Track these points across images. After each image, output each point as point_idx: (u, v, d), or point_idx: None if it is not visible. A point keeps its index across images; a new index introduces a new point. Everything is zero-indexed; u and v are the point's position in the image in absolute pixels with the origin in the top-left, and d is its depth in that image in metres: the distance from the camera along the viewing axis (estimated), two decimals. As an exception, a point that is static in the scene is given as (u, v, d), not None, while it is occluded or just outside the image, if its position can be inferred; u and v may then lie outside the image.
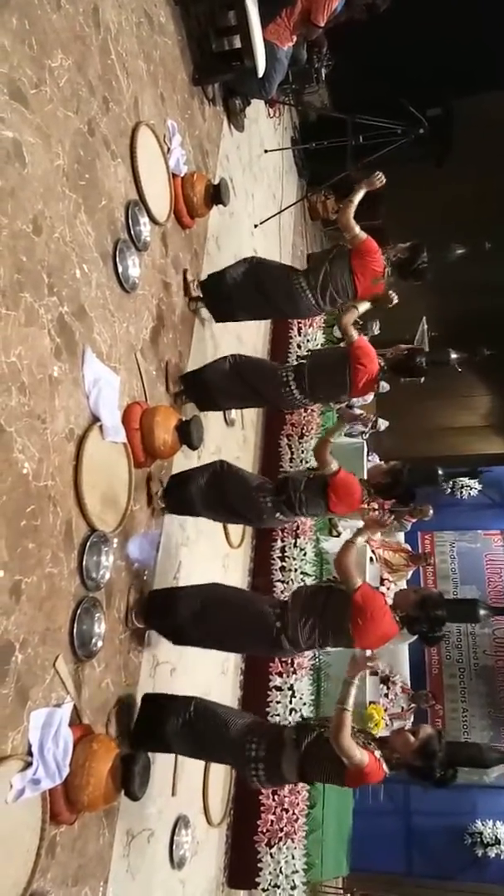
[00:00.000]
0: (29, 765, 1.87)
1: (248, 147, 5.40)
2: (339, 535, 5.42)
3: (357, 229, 3.31)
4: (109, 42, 2.78)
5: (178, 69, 3.74)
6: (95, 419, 2.40)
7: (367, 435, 7.46)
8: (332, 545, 5.12)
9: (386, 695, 5.63)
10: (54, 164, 2.26)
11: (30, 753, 1.89)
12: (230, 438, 4.37)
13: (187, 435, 2.85)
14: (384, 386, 6.81)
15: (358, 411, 6.83)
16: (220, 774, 3.64)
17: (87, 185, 2.50)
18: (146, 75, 3.20)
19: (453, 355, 3.96)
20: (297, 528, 4.71)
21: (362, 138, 5.37)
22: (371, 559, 5.50)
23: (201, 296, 3.61)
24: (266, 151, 6.00)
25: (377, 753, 2.35)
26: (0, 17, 2.01)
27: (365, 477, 3.35)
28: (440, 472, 7.35)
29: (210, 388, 3.33)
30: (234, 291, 3.49)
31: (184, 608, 2.73)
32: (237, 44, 4.13)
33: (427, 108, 5.67)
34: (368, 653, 2.39)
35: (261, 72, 4.20)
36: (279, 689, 4.11)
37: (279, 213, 6.00)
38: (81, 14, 2.53)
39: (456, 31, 6.88)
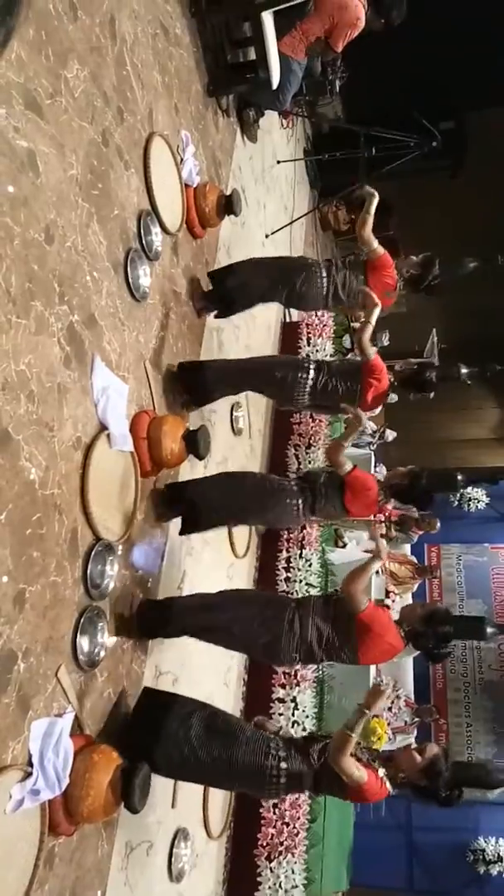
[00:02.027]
0: (29, 775, 1.86)
1: (260, 158, 5.42)
2: (344, 545, 5.40)
3: (375, 244, 3.32)
4: (125, 53, 2.80)
5: (193, 80, 3.76)
6: (103, 428, 2.40)
7: (375, 446, 7.45)
8: (337, 556, 5.10)
9: (389, 708, 5.59)
10: (68, 174, 2.27)
11: (30, 764, 1.88)
12: (237, 448, 4.36)
13: (194, 444, 2.84)
14: (392, 396, 6.80)
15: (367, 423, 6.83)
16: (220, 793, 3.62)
17: (100, 194, 2.51)
18: (161, 86, 3.22)
19: (464, 370, 3.94)
20: (303, 538, 4.69)
21: (375, 150, 5.38)
22: (377, 571, 5.47)
23: (210, 285, 3.61)
24: (279, 162, 6.03)
25: (381, 772, 2.32)
26: (17, 28, 2.02)
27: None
28: (460, 477, 7.28)
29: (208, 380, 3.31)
30: (250, 271, 3.52)
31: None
32: (252, 55, 4.16)
33: (440, 122, 5.69)
34: (391, 686, 2.40)
35: (275, 83, 4.21)
36: (282, 700, 4.09)
37: (290, 223, 6.02)
38: (98, 25, 2.55)
39: (470, 44, 6.91)
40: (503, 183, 7.51)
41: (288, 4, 3.84)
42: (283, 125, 6.34)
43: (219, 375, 3.30)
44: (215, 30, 4.00)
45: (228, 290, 3.53)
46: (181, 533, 3.10)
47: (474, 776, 3.04)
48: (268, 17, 3.87)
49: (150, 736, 2.39)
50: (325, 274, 3.45)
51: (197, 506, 3.00)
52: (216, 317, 3.75)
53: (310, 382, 3.28)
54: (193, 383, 3.28)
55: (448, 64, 7.13)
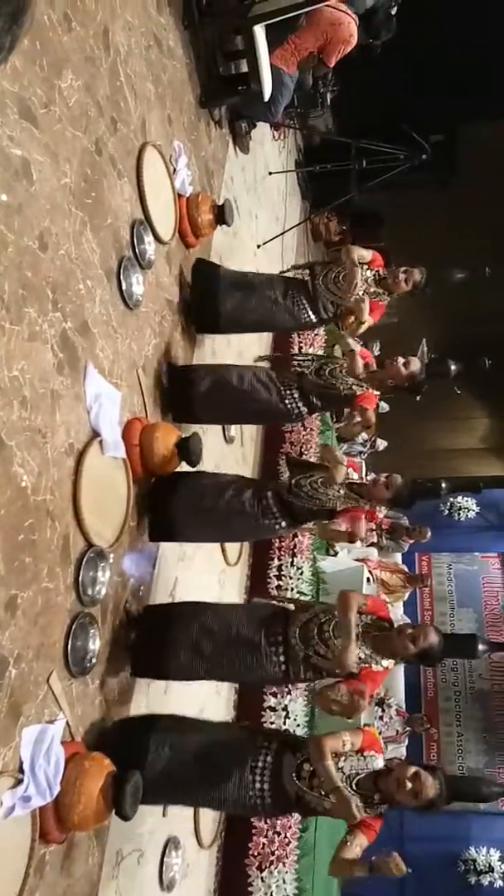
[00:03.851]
0: (20, 782, 1.86)
1: (252, 169, 5.47)
2: (336, 554, 5.42)
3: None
4: (119, 64, 2.83)
5: (186, 92, 3.80)
6: (95, 434, 2.40)
7: (366, 455, 7.49)
8: (329, 564, 5.11)
9: (381, 717, 5.59)
10: (61, 182, 2.29)
11: (21, 770, 1.88)
12: (229, 455, 4.38)
13: (186, 451, 2.85)
14: (383, 406, 6.84)
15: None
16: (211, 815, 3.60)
17: (94, 203, 2.53)
18: (154, 97, 3.26)
19: (453, 366, 3.98)
20: (295, 546, 4.70)
21: (365, 162, 5.44)
22: (368, 580, 5.48)
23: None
24: (270, 173, 6.08)
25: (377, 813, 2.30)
26: (22, 37, 2.04)
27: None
28: (444, 484, 7.32)
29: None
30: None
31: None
32: (244, 68, 4.21)
33: (430, 134, 5.77)
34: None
35: (267, 96, 4.27)
36: (273, 709, 4.08)
37: (282, 233, 6.06)
38: (92, 37, 2.58)
39: (460, 58, 7.02)
40: (492, 194, 7.61)
41: (280, 18, 3.89)
42: (274, 137, 6.41)
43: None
44: (208, 42, 4.05)
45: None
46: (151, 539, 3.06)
47: (466, 790, 3.03)
48: (260, 31, 3.92)
49: (134, 752, 2.36)
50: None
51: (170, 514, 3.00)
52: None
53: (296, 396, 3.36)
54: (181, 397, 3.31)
55: (438, 77, 7.25)
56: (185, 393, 3.29)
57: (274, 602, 2.62)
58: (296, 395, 3.38)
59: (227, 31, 4.19)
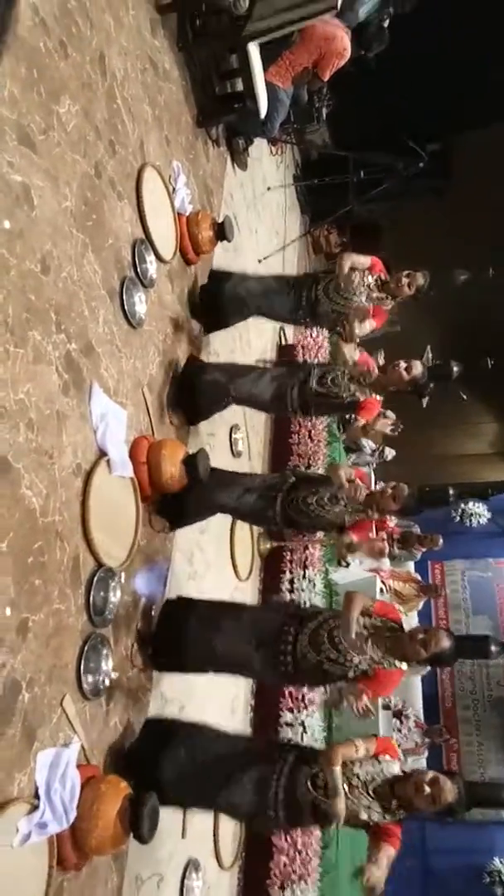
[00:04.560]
0: (35, 808, 1.84)
1: (251, 185, 5.50)
2: (347, 565, 5.39)
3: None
4: (115, 88, 2.86)
5: (183, 112, 3.84)
6: (102, 454, 2.41)
7: (375, 464, 7.46)
8: (341, 576, 5.08)
9: (399, 729, 5.53)
10: (62, 206, 2.31)
11: (36, 796, 1.86)
12: (236, 469, 4.37)
13: (194, 468, 2.85)
14: (389, 415, 6.81)
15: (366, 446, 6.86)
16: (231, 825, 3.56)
17: (94, 225, 2.55)
18: (151, 119, 3.29)
19: (455, 368, 3.98)
20: (306, 559, 4.68)
21: (363, 174, 5.47)
22: (381, 590, 5.44)
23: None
24: (269, 189, 6.12)
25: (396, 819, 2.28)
26: (10, 66, 2.08)
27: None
28: (451, 491, 7.29)
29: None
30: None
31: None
32: (239, 86, 4.25)
33: (426, 144, 5.81)
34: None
35: (263, 113, 4.29)
36: (290, 725, 4.04)
37: (283, 248, 6.09)
38: (88, 62, 2.61)
39: (454, 67, 7.06)
40: (488, 201, 7.63)
41: (273, 36, 3.93)
42: (272, 152, 6.45)
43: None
44: (203, 62, 4.09)
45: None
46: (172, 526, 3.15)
47: (486, 795, 2.98)
48: (254, 49, 3.96)
49: (152, 764, 2.38)
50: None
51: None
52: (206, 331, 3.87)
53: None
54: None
55: (432, 88, 7.29)
56: (193, 385, 3.36)
57: (288, 605, 2.66)
58: (294, 393, 3.45)
59: (221, 50, 4.24)
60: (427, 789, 2.23)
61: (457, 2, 6.50)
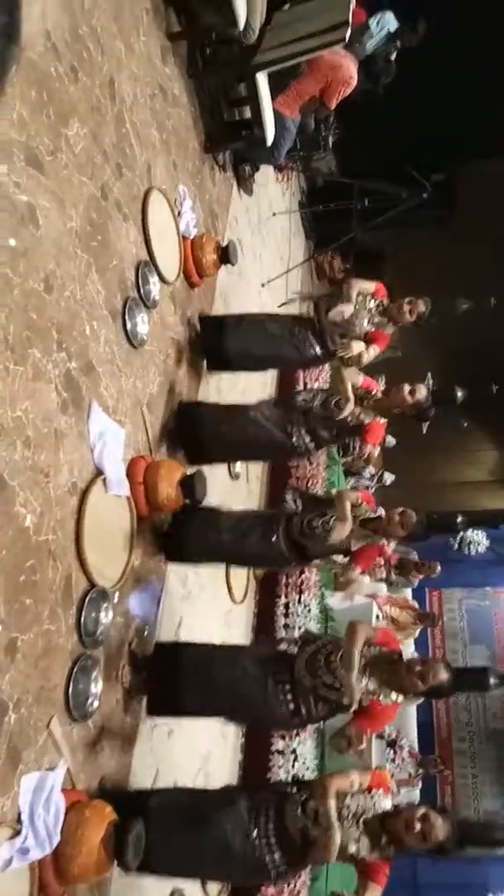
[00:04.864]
0: (18, 832, 1.81)
1: (256, 210, 5.57)
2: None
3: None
4: (124, 112, 2.91)
5: (191, 137, 3.89)
6: (99, 472, 2.40)
7: (374, 489, 7.45)
8: (336, 601, 5.04)
9: (393, 760, 5.44)
10: (67, 227, 2.33)
11: (19, 820, 1.83)
12: (234, 492, 4.36)
13: (191, 489, 2.84)
14: (390, 441, 6.82)
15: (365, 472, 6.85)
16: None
17: (99, 245, 2.57)
18: (159, 143, 3.34)
19: (459, 393, 4.00)
20: (302, 583, 4.65)
21: (368, 202, 5.53)
22: (377, 616, 5.40)
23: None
24: (274, 214, 6.19)
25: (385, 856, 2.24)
26: (20, 89, 2.11)
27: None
28: (460, 518, 7.28)
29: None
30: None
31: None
32: (247, 114, 4.32)
33: (431, 174, 5.89)
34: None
35: (270, 141, 4.36)
36: (281, 752, 3.98)
37: (286, 272, 6.14)
38: (98, 87, 2.65)
39: (460, 99, 7.19)
40: (491, 231, 7.71)
41: (282, 66, 4.01)
42: (278, 179, 6.54)
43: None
44: (212, 90, 4.17)
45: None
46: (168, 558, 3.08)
47: (479, 834, 2.93)
48: (262, 78, 4.03)
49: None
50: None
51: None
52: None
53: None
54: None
55: (438, 118, 7.41)
56: (193, 433, 3.31)
57: (282, 642, 2.60)
58: (303, 431, 3.39)
59: (230, 79, 4.32)
60: (417, 826, 2.17)
61: (463, 35, 6.64)
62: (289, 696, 2.56)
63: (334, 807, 2.20)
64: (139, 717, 2.72)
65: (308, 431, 3.39)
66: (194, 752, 3.37)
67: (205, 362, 3.74)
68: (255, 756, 4.00)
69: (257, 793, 2.39)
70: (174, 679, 2.63)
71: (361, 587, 5.25)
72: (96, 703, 2.29)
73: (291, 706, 2.56)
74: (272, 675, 2.58)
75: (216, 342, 3.59)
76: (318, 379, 5.53)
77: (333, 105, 4.81)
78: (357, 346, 3.48)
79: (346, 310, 3.34)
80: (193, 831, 2.28)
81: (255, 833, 2.25)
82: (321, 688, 2.53)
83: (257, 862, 2.26)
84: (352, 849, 2.20)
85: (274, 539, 3.03)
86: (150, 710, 2.73)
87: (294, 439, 3.37)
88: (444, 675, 2.47)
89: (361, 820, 2.23)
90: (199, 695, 2.63)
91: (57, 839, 1.90)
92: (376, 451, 3.60)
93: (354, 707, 2.47)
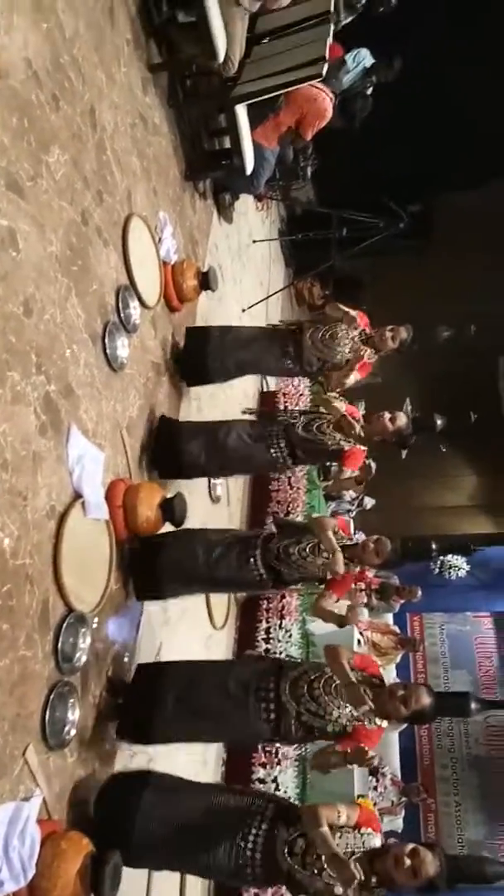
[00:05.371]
0: (-9, 866, 1.76)
1: (236, 237, 5.65)
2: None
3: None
4: (105, 140, 2.95)
5: (171, 165, 3.96)
6: (78, 496, 2.39)
7: (354, 512, 7.47)
8: (318, 626, 5.01)
9: (375, 787, 5.38)
10: (47, 251, 2.34)
11: (-7, 853, 1.78)
12: (215, 515, 4.35)
13: (171, 512, 2.84)
14: (371, 465, 6.84)
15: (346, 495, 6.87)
16: (198, 884, 3.41)
17: (79, 270, 2.59)
18: (139, 171, 3.38)
19: (438, 421, 4.06)
20: (283, 608, 4.62)
21: (346, 231, 5.64)
22: (359, 641, 5.38)
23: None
24: (254, 241, 6.28)
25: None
26: (1, 115, 2.14)
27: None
28: (434, 545, 7.33)
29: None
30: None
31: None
32: (227, 143, 4.40)
33: (408, 204, 6.03)
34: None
35: (249, 170, 4.44)
36: (262, 781, 3.92)
37: (266, 298, 6.22)
38: (79, 115, 2.69)
39: (435, 133, 7.41)
40: (467, 261, 7.90)
41: (261, 98, 4.10)
42: (258, 208, 6.65)
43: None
44: (192, 120, 4.25)
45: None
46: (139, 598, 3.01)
47: (469, 870, 2.88)
48: (242, 110, 4.12)
49: (121, 820, 2.28)
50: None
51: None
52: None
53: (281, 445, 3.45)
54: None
55: (414, 151, 7.62)
56: (172, 447, 3.32)
57: (263, 657, 2.59)
58: (282, 445, 3.45)
59: (210, 109, 4.41)
60: (407, 862, 2.14)
61: (438, 71, 6.86)
62: (272, 715, 2.53)
63: (329, 835, 2.15)
64: (117, 746, 2.67)
65: (287, 445, 3.44)
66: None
67: (184, 383, 3.79)
68: (236, 783, 3.92)
69: (247, 811, 2.34)
70: (153, 701, 2.59)
71: (363, 615, 5.25)
72: (73, 731, 2.24)
73: (273, 722, 2.54)
74: (254, 693, 2.55)
75: (199, 348, 3.69)
76: (297, 402, 5.56)
77: (309, 136, 4.93)
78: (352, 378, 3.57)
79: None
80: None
81: (243, 850, 2.24)
82: (305, 714, 2.51)
83: (237, 872, 2.26)
84: (338, 892, 2.15)
85: (251, 562, 3.00)
86: (125, 736, 2.66)
87: (272, 452, 3.42)
88: (426, 700, 2.46)
89: (352, 860, 2.19)
90: (179, 718, 2.59)
91: (32, 872, 1.85)
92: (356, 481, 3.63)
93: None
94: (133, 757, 2.80)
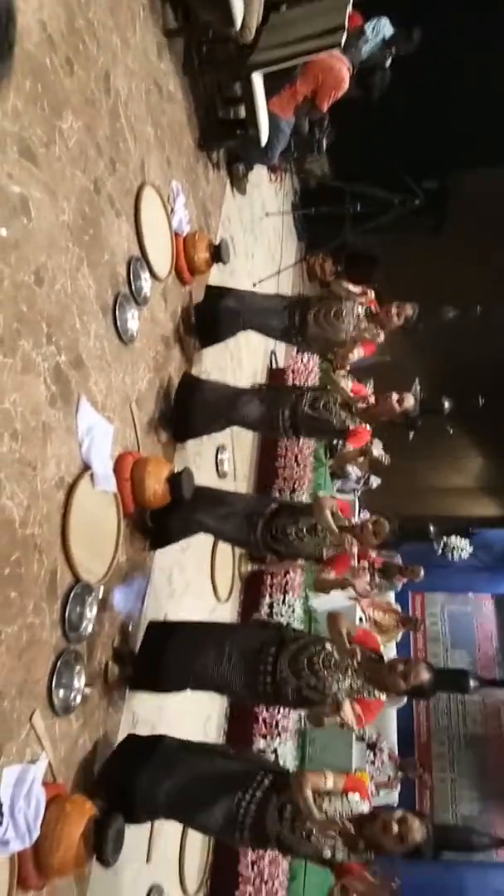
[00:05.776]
0: (-2, 825, 1.80)
1: (249, 210, 5.57)
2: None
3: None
4: (119, 107, 2.90)
5: (185, 135, 3.89)
6: (86, 467, 2.39)
7: (360, 492, 7.47)
8: (320, 602, 5.05)
9: (372, 762, 5.46)
10: (59, 220, 2.32)
11: (0, 813, 1.82)
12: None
13: (178, 486, 2.84)
14: (381, 454, 6.84)
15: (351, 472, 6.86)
16: (198, 842, 3.49)
17: (91, 240, 2.56)
18: (153, 139, 3.33)
19: (446, 403, 4.04)
20: (286, 584, 4.66)
21: (360, 206, 5.55)
22: (361, 619, 5.41)
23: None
24: (267, 215, 6.20)
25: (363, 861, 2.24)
26: (15, 79, 2.10)
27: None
28: (432, 528, 7.33)
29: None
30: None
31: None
32: (242, 113, 4.32)
33: (424, 180, 5.93)
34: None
35: (263, 141, 4.37)
36: (262, 752, 3.99)
37: (278, 272, 6.15)
38: (93, 80, 2.65)
39: (454, 107, 7.24)
40: (482, 239, 7.77)
41: (278, 67, 4.01)
42: (271, 179, 6.55)
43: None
44: (207, 88, 4.17)
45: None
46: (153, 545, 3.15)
47: (455, 839, 2.94)
48: (258, 78, 4.03)
49: (127, 778, 2.37)
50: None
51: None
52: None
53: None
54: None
55: (433, 126, 7.45)
56: (190, 400, 3.40)
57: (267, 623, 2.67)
58: (286, 414, 3.49)
59: (226, 77, 4.32)
60: (395, 828, 2.18)
61: (459, 44, 6.68)
62: (268, 688, 2.61)
63: (311, 799, 2.21)
64: (121, 712, 2.71)
65: (291, 417, 3.48)
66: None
67: (196, 342, 3.83)
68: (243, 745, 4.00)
69: (246, 777, 2.42)
70: (161, 654, 2.72)
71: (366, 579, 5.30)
72: (79, 698, 2.28)
73: (271, 688, 2.62)
74: (259, 658, 2.63)
75: (214, 304, 3.77)
76: (307, 379, 5.54)
77: (325, 107, 4.83)
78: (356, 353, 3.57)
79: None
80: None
81: (235, 813, 2.32)
82: (305, 689, 2.56)
83: (227, 830, 2.36)
84: (327, 854, 2.20)
85: (254, 534, 3.14)
86: (133, 685, 2.79)
87: (280, 421, 3.48)
88: (425, 675, 2.49)
89: (339, 822, 2.24)
90: (183, 670, 2.71)
91: (37, 833, 1.89)
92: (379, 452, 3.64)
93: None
94: (137, 724, 2.85)
